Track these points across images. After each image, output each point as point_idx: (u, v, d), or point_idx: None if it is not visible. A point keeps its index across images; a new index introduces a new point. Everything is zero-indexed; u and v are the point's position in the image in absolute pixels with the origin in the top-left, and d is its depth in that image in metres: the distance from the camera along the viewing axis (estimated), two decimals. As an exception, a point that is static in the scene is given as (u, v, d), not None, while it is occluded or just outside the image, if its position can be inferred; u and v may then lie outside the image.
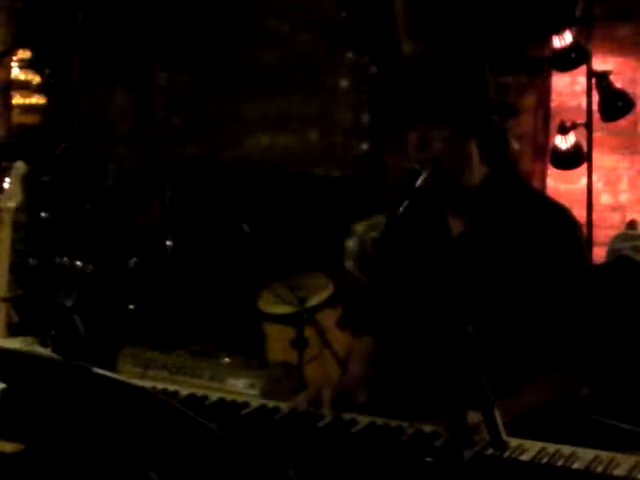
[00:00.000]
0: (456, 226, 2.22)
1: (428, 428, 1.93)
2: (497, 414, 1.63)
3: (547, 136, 5.00)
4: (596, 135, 4.59)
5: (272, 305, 4.16)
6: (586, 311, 2.15)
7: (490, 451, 1.78)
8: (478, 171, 2.18)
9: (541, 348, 2.11)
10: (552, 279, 2.12)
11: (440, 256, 2.21)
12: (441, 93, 2.11)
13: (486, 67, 2.20)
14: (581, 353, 2.13)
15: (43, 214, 4.91)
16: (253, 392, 3.48)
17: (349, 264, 4.16)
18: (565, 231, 2.17)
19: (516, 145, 2.36)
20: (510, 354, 2.13)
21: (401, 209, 1.97)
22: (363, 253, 4.13)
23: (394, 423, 1.99)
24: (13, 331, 3.19)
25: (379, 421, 2.01)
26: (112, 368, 3.65)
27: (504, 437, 1.63)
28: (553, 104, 5.03)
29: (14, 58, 5.40)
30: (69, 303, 4.19)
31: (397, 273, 2.31)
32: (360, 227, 4.24)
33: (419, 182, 2.04)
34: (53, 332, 3.81)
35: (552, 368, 2.11)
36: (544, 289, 2.12)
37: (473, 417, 1.69)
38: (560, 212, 2.20)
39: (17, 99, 5.45)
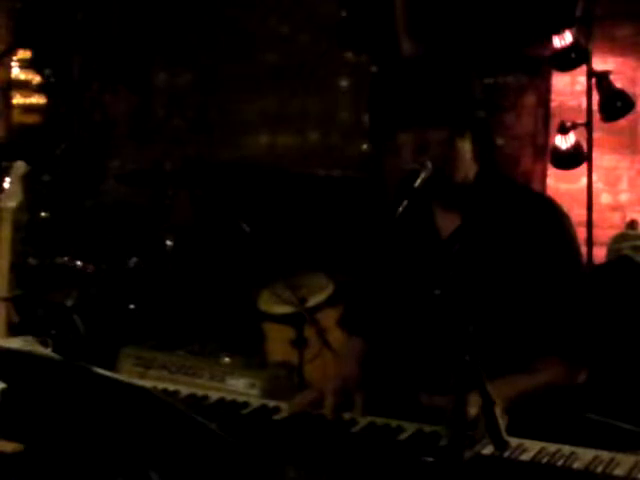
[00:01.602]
0: (450, 224, 2.23)
1: (428, 428, 1.94)
2: (498, 414, 1.63)
3: (547, 136, 5.00)
4: (596, 135, 4.59)
5: (272, 305, 4.15)
6: (580, 298, 2.18)
7: (490, 451, 1.78)
8: (470, 169, 2.20)
9: (537, 339, 2.13)
10: (544, 269, 2.14)
11: (433, 255, 2.22)
12: (435, 94, 2.12)
13: (471, 67, 2.22)
14: (573, 338, 2.15)
15: (43, 214, 4.91)
16: (253, 392, 3.46)
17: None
18: (553, 221, 2.20)
19: (500, 141, 2.39)
20: (507, 349, 2.14)
21: (400, 209, 1.98)
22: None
23: (394, 423, 1.99)
24: (13, 331, 3.18)
25: (379, 421, 2.01)
26: (112, 368, 3.64)
27: (505, 437, 1.63)
28: (553, 104, 5.04)
29: (14, 58, 5.39)
30: (69, 303, 4.18)
31: (393, 272, 2.31)
32: None
33: (418, 182, 2.05)
34: (53, 332, 3.81)
35: (547, 354, 2.13)
36: (537, 280, 2.14)
37: (473, 399, 1.68)
38: (546, 203, 2.24)
39: (17, 99, 5.45)
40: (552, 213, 2.21)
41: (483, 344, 1.67)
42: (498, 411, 1.63)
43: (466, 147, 2.17)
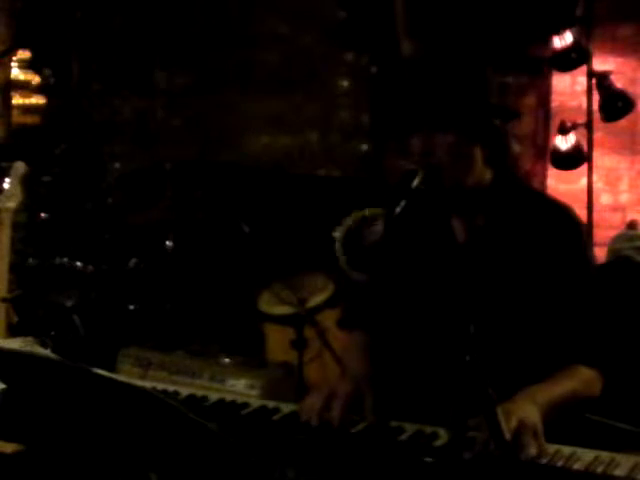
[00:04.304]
0: (465, 228, 2.22)
1: (428, 428, 1.93)
2: (499, 414, 1.63)
3: (547, 136, 5.00)
4: (596, 135, 4.59)
5: (272, 306, 4.15)
6: (597, 306, 2.16)
7: (490, 451, 1.78)
8: (483, 174, 2.18)
9: (552, 346, 2.11)
10: (560, 276, 2.12)
11: (443, 258, 2.21)
12: (443, 97, 2.10)
13: (488, 69, 2.20)
14: (596, 345, 2.13)
15: (43, 214, 4.91)
16: (253, 392, 3.47)
17: (340, 256, 4.19)
18: (568, 229, 2.18)
19: (517, 147, 2.36)
20: (517, 354, 2.13)
21: (398, 209, 1.97)
22: (351, 246, 4.16)
23: (394, 423, 1.99)
24: (13, 331, 3.18)
25: (379, 421, 2.01)
26: (112, 368, 3.64)
27: (506, 437, 1.63)
28: (553, 104, 5.04)
29: (14, 58, 5.39)
30: (69, 303, 4.19)
31: (397, 273, 2.31)
32: (349, 219, 4.27)
33: (415, 182, 2.04)
34: (53, 332, 3.81)
35: (569, 362, 2.10)
36: (553, 287, 2.12)
37: (474, 422, 1.67)
38: (563, 211, 2.22)
39: (17, 99, 5.44)
40: (567, 219, 2.19)
41: (498, 351, 1.65)
42: (500, 411, 1.63)
43: (475, 151, 2.15)
